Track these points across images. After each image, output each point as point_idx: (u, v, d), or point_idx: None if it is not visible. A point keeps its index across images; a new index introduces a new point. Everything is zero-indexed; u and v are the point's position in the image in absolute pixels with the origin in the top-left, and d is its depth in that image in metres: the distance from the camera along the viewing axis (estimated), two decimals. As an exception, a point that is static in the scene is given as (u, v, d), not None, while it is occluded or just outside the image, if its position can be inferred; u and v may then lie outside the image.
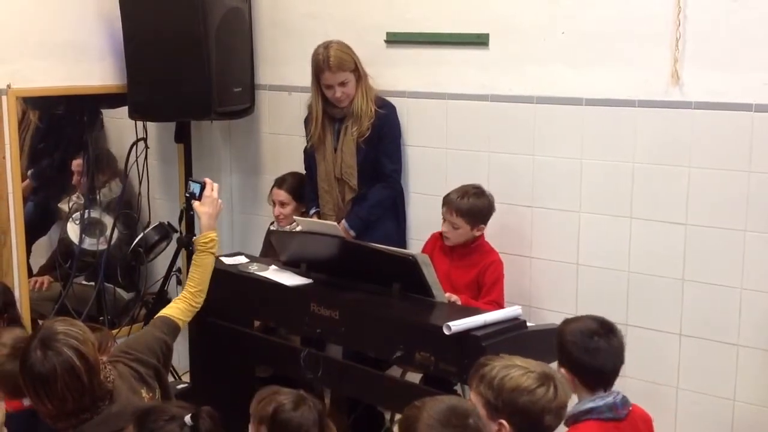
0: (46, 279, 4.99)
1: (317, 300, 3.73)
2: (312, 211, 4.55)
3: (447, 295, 3.76)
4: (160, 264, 5.00)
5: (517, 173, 4.24)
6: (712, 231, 3.78)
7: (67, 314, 4.49)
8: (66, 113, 4.95)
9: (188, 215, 4.73)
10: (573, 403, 2.78)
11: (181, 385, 4.60)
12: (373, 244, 3.89)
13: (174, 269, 4.75)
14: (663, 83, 3.82)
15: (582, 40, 4.00)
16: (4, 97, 4.33)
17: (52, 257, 5.11)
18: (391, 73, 4.53)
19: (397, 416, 4.12)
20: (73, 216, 5.06)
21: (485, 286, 4.03)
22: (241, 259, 4.24)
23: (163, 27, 4.48)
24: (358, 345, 3.75)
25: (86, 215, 5.04)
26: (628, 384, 3.98)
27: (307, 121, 4.55)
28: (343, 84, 4.34)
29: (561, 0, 4.04)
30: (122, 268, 5.05)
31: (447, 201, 4.06)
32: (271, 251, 4.45)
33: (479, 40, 4.27)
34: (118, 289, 5.21)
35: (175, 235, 4.86)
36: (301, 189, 4.65)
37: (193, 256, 3.28)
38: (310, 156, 4.58)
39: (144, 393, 2.81)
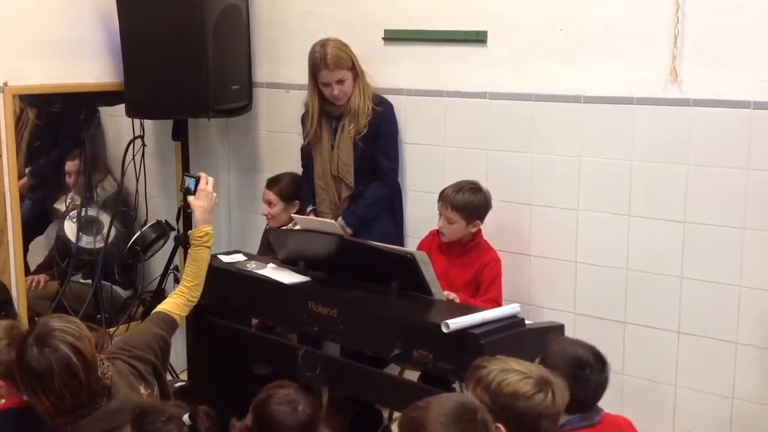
0: (42, 277, 4.98)
1: (315, 298, 3.72)
2: (309, 209, 4.55)
3: (445, 293, 3.75)
4: (158, 262, 4.99)
5: (515, 171, 4.23)
6: (711, 228, 3.78)
7: (64, 312, 4.48)
8: (63, 111, 4.94)
9: (185, 213, 4.72)
10: None
11: (179, 384, 4.59)
12: (372, 242, 3.89)
13: (171, 267, 4.75)
14: (661, 81, 3.82)
15: (581, 38, 3.99)
16: (0, 95, 4.31)
17: (50, 255, 5.10)
18: (389, 71, 4.52)
19: (396, 414, 4.13)
20: (70, 214, 5.05)
21: (483, 284, 4.03)
22: (239, 257, 4.24)
23: (161, 24, 4.47)
24: (356, 343, 3.74)
25: (83, 213, 5.03)
26: (626, 382, 4.00)
27: (304, 119, 4.54)
28: (340, 82, 4.33)
29: (559, -3, 4.04)
30: (119, 266, 5.05)
31: (443, 195, 4.06)
32: (268, 249, 4.44)
33: (478, 38, 4.26)
34: (116, 287, 5.20)
35: (173, 233, 4.86)
36: (294, 190, 4.65)
37: (189, 251, 3.27)
38: (306, 154, 4.58)
39: (142, 389, 2.81)
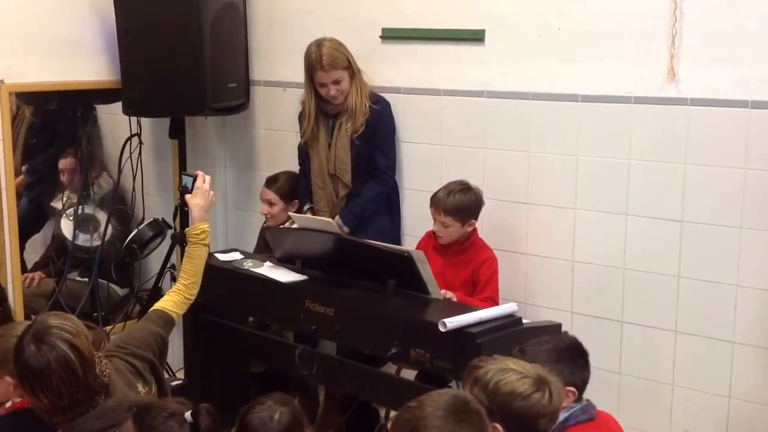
0: (37, 275, 4.97)
1: (312, 297, 3.72)
2: (306, 207, 4.55)
3: (442, 292, 3.75)
4: (155, 260, 4.98)
5: (512, 170, 4.23)
6: (708, 228, 3.78)
7: (60, 310, 4.47)
8: (60, 109, 4.93)
9: (182, 211, 4.71)
10: None
11: (176, 382, 4.58)
12: (369, 241, 3.89)
13: (168, 265, 4.74)
14: (659, 80, 3.82)
15: (578, 37, 3.99)
16: (-3, 93, 4.31)
17: (46, 253, 5.09)
18: (386, 69, 4.52)
19: (392, 413, 4.13)
20: (67, 212, 5.04)
21: (480, 283, 4.03)
22: (236, 256, 4.24)
23: (158, 22, 4.46)
24: (353, 342, 3.74)
25: (80, 211, 5.02)
26: (623, 381, 4.00)
27: (301, 117, 4.54)
28: (336, 82, 4.32)
29: (557, -4, 4.04)
30: (116, 264, 5.04)
31: (434, 201, 4.04)
32: (265, 248, 4.44)
33: (475, 36, 4.26)
34: (112, 285, 5.20)
35: (170, 232, 4.85)
36: (292, 189, 4.65)
37: (186, 249, 3.26)
38: (304, 152, 4.57)
39: (140, 387, 2.80)
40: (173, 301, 3.13)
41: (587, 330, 3.89)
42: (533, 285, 4.24)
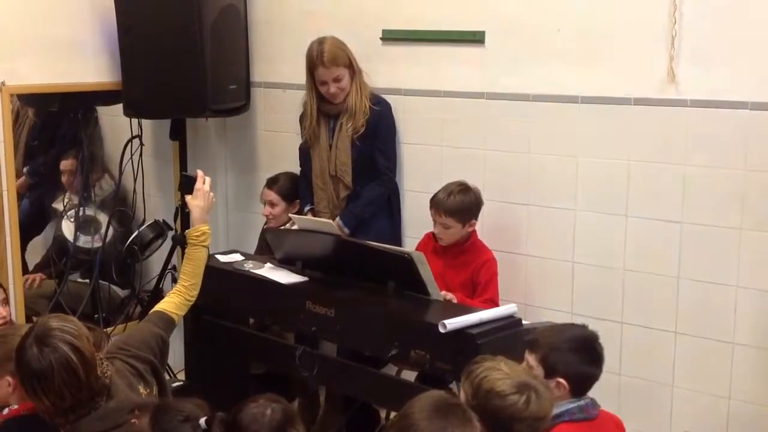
0: (38, 276, 4.97)
1: (312, 298, 3.73)
2: (306, 208, 4.55)
3: (442, 293, 3.76)
4: (155, 262, 4.99)
5: (512, 171, 4.23)
6: (708, 229, 3.78)
7: (61, 312, 4.48)
8: (61, 110, 4.93)
9: (183, 213, 4.72)
10: None
11: (176, 383, 4.58)
12: (369, 242, 3.89)
13: (169, 267, 4.75)
14: (659, 81, 3.82)
15: (578, 38, 4.00)
16: (-2, 95, 4.32)
17: (47, 255, 5.09)
18: (387, 71, 4.52)
19: (393, 415, 4.13)
20: (68, 213, 5.05)
21: (480, 285, 4.03)
22: (237, 257, 4.24)
23: (159, 24, 4.47)
24: (353, 343, 3.75)
25: (81, 213, 5.03)
26: (623, 382, 4.01)
27: (302, 118, 4.54)
28: (337, 80, 4.33)
29: (557, -2, 4.05)
30: (117, 266, 5.04)
31: (434, 203, 4.04)
32: (266, 249, 4.44)
33: (475, 38, 4.26)
34: (113, 287, 5.20)
35: (170, 233, 4.86)
36: (293, 190, 4.65)
37: (186, 250, 3.27)
38: (304, 153, 4.58)
39: (141, 389, 2.81)
40: (174, 302, 3.13)
41: (587, 331, 3.89)
42: (533, 286, 4.25)
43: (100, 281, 5.02)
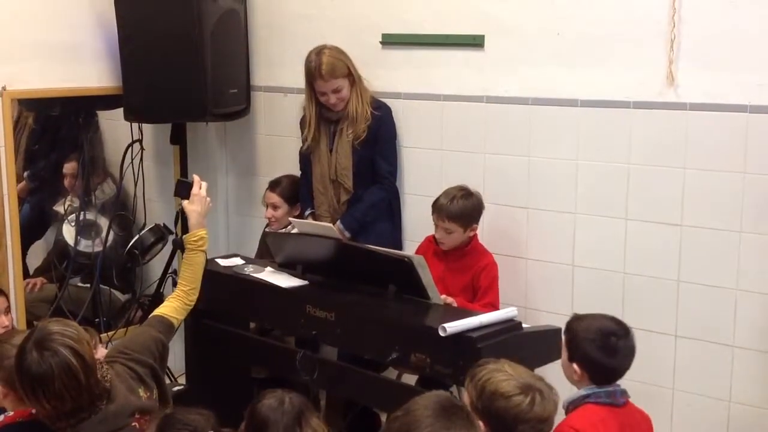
0: (39, 280, 4.97)
1: (313, 302, 3.73)
2: (307, 212, 4.56)
3: (442, 296, 3.76)
4: (156, 266, 4.99)
5: (512, 175, 4.24)
6: (708, 232, 3.79)
7: (62, 316, 4.47)
8: (61, 115, 4.94)
9: (184, 217, 4.71)
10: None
11: (177, 387, 4.59)
12: (369, 246, 3.89)
13: (170, 271, 4.74)
14: (658, 84, 3.83)
15: (577, 42, 4.00)
16: (-1, 99, 4.33)
17: (48, 259, 5.10)
18: (386, 75, 4.53)
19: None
20: (69, 218, 5.05)
21: (480, 289, 4.03)
22: (237, 261, 4.24)
23: (159, 29, 4.48)
24: (353, 347, 3.75)
25: (82, 217, 5.03)
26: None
27: (303, 123, 4.55)
28: (336, 91, 4.33)
29: (556, 1, 4.05)
30: (118, 270, 5.05)
31: (437, 207, 4.04)
32: (267, 252, 4.45)
33: (475, 42, 4.27)
34: (114, 291, 5.20)
35: (171, 237, 4.86)
36: (295, 192, 4.65)
37: (184, 255, 3.28)
38: (305, 157, 4.58)
39: (141, 392, 2.82)
40: (173, 306, 3.14)
41: (587, 334, 3.89)
42: (533, 289, 4.25)
43: (101, 285, 5.03)
